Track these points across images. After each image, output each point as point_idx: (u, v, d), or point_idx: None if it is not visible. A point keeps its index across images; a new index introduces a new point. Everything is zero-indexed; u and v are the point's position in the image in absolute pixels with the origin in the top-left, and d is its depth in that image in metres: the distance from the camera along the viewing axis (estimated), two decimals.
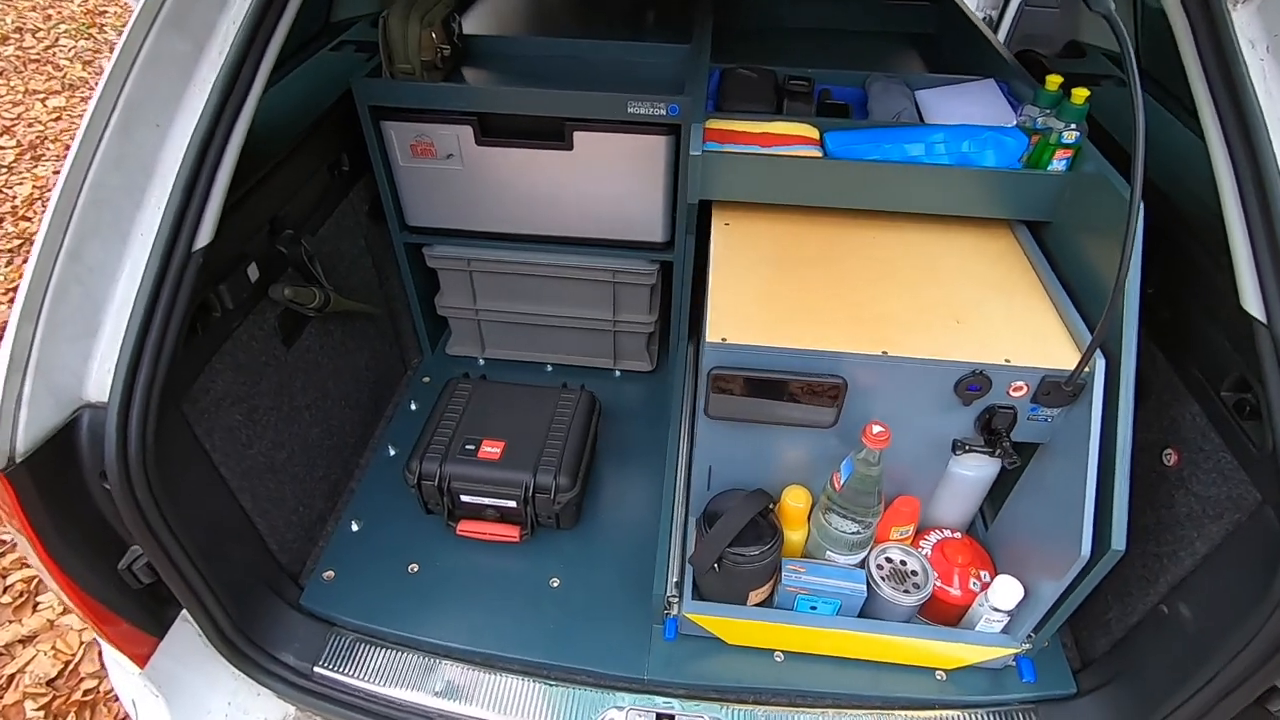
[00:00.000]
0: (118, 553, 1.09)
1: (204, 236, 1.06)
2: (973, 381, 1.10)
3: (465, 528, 1.48)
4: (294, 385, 1.43)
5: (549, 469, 1.44)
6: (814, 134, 1.39)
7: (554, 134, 1.49)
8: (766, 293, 1.22)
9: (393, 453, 1.71)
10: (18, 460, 0.95)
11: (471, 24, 1.85)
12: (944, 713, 1.29)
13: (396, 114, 1.49)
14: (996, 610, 1.23)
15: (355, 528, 1.54)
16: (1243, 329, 0.99)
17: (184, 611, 1.21)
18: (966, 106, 1.51)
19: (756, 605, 1.30)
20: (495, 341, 1.94)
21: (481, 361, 1.97)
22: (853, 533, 1.24)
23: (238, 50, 1.07)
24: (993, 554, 1.37)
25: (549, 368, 1.96)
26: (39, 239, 0.95)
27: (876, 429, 1.12)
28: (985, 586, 1.31)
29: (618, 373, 1.95)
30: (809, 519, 1.30)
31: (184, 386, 1.14)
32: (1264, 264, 0.96)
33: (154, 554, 1.07)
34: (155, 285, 1.01)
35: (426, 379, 1.91)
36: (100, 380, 1.02)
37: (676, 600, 1.32)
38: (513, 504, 1.45)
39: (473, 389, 1.60)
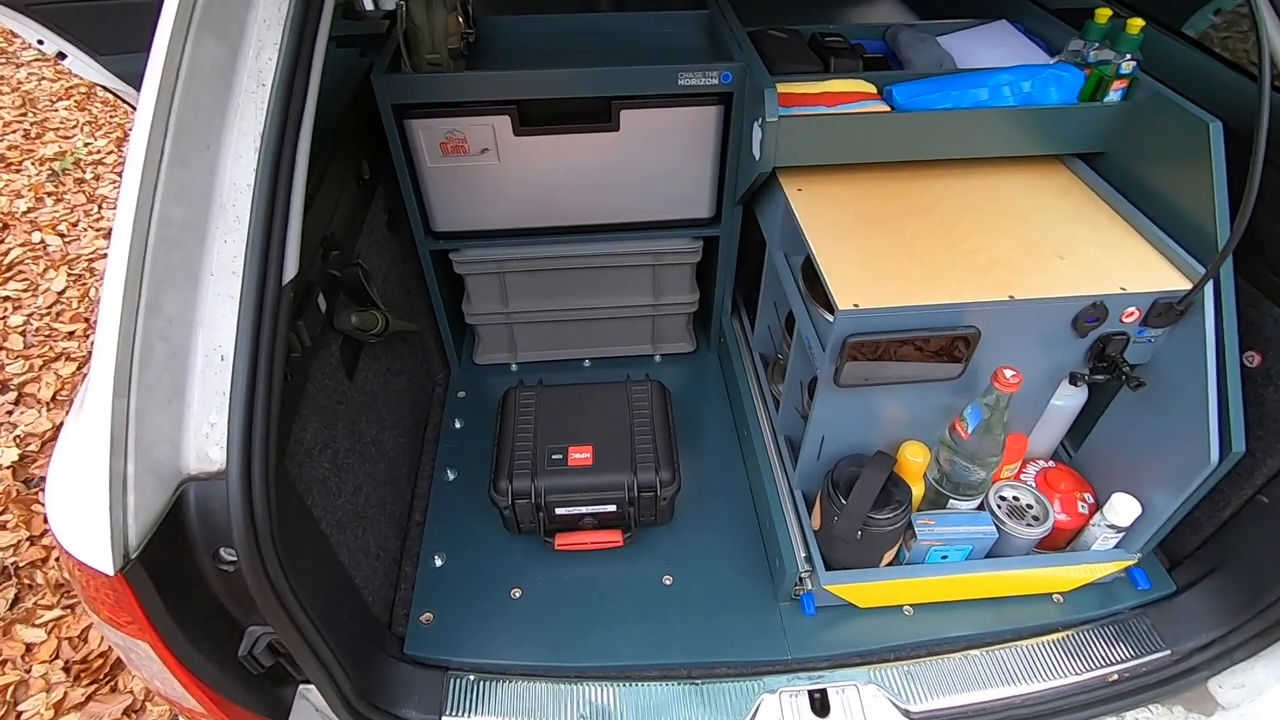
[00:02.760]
0: (234, 638, 0.96)
1: (290, 268, 0.93)
2: (1091, 314, 1.13)
3: (564, 541, 1.40)
4: (361, 420, 1.29)
5: (648, 466, 1.38)
6: (871, 89, 1.38)
7: (599, 115, 1.40)
8: (873, 252, 1.20)
9: (451, 477, 1.59)
10: (133, 555, 0.81)
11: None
12: (1067, 632, 1.34)
13: (423, 110, 1.35)
14: (1114, 528, 1.28)
15: (439, 563, 1.43)
16: None
17: (300, 687, 1.08)
18: (995, 49, 1.54)
19: (888, 565, 1.31)
20: (528, 343, 1.84)
21: (514, 366, 1.86)
22: (979, 480, 1.25)
23: (290, 50, 0.94)
24: (1086, 477, 1.43)
25: (586, 363, 1.88)
26: (111, 294, 0.80)
27: (1009, 373, 1.13)
28: (1091, 508, 1.37)
29: (658, 357, 1.90)
30: (926, 472, 1.31)
31: (283, 441, 1.00)
32: None
33: (285, 632, 0.94)
34: (254, 330, 0.87)
35: (462, 393, 1.79)
36: (200, 448, 0.88)
37: (809, 574, 1.30)
38: (613, 508, 1.38)
39: (536, 396, 1.51)
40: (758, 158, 1.32)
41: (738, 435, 1.66)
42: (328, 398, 1.15)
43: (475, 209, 1.52)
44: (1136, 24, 1.24)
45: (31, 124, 4.18)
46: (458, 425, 1.70)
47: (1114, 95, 1.30)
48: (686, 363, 1.89)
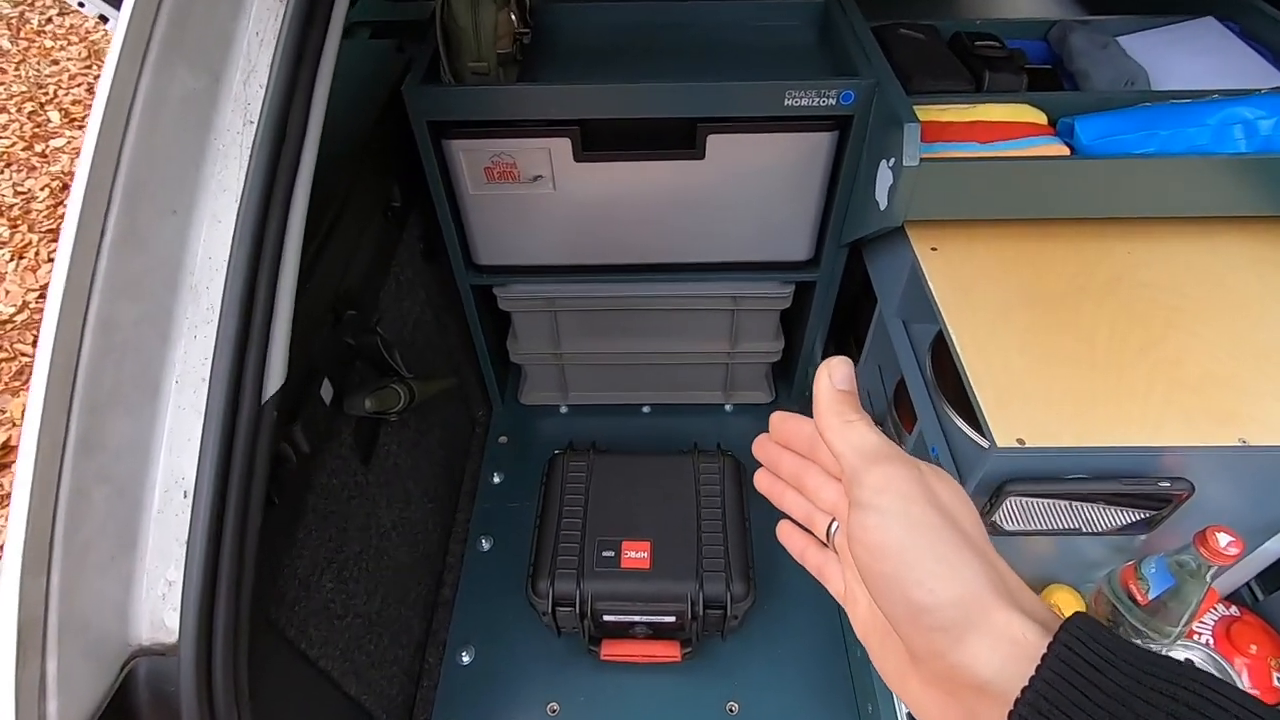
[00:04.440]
0: None
1: (275, 377, 0.71)
2: None
3: (611, 650, 1.18)
4: (379, 507, 1.08)
5: (717, 575, 1.14)
6: (1040, 118, 1.05)
7: (680, 139, 1.12)
8: (1036, 351, 0.90)
9: (486, 546, 1.38)
10: None
11: None
12: None
13: (466, 129, 1.10)
14: None
15: (466, 659, 1.23)
16: None
17: None
18: (1200, 59, 1.17)
19: None
20: (580, 384, 1.60)
21: (564, 409, 1.63)
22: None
23: (285, 74, 0.71)
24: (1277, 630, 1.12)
25: (646, 408, 1.63)
26: (28, 437, 0.59)
27: (1224, 540, 0.83)
28: None
29: (729, 407, 1.63)
30: None
31: (268, 583, 0.80)
32: None
33: None
34: (221, 463, 0.66)
35: (503, 439, 1.57)
36: (154, 613, 0.68)
37: None
38: (671, 619, 1.15)
39: (589, 467, 1.28)
40: (883, 206, 1.02)
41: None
42: (334, 502, 0.94)
43: (524, 242, 1.27)
44: None
45: (95, 78, 4.11)
46: (496, 480, 1.49)
47: None
48: (762, 415, 1.60)
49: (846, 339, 1.53)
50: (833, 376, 0.40)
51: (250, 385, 0.68)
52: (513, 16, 1.04)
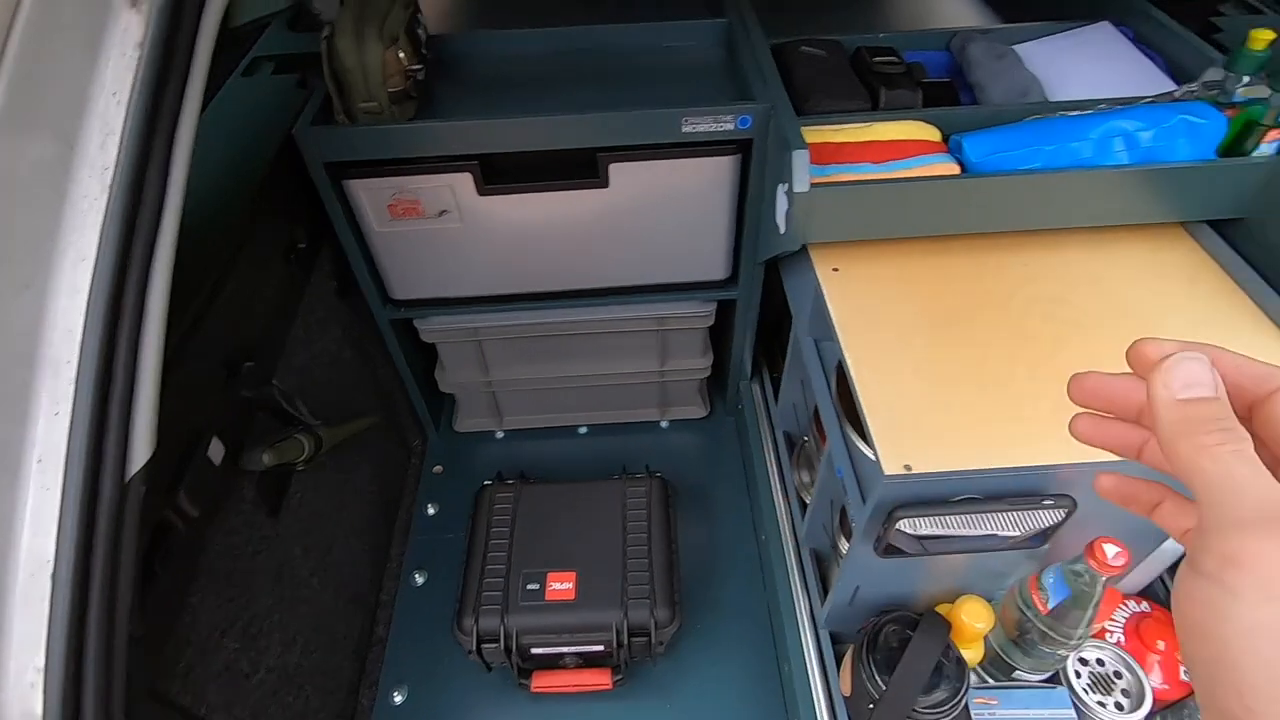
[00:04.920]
0: None
1: (140, 451, 0.69)
2: None
3: (542, 682, 1.18)
4: (293, 557, 1.07)
5: (641, 602, 1.14)
6: (934, 135, 1.06)
7: (583, 169, 1.11)
8: (931, 374, 0.91)
9: (420, 581, 1.37)
10: None
11: (430, 18, 1.41)
12: None
13: (364, 168, 1.09)
14: None
15: (399, 699, 1.22)
16: None
17: None
18: (1095, 66, 1.19)
19: None
20: (515, 409, 1.59)
21: (500, 434, 1.62)
22: (1058, 654, 0.99)
23: (137, 137, 0.69)
24: None
25: (583, 429, 1.63)
26: None
27: (1112, 551, 0.85)
28: None
29: (665, 423, 1.64)
30: (988, 634, 1.04)
31: (153, 655, 0.78)
32: None
33: None
34: (82, 546, 0.64)
35: (438, 468, 1.56)
36: (24, 700, 0.66)
37: None
38: (599, 648, 1.15)
39: (515, 499, 1.27)
40: (782, 230, 1.03)
41: (755, 534, 1.41)
42: (236, 560, 0.93)
43: (439, 276, 1.26)
44: None
45: None
46: (431, 511, 1.48)
47: (1267, 148, 0.97)
48: (698, 430, 1.63)
49: (775, 352, 1.54)
50: (1170, 385, 0.29)
51: (111, 462, 0.66)
52: (401, 55, 1.02)
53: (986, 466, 0.82)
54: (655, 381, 1.52)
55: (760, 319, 1.41)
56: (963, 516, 0.84)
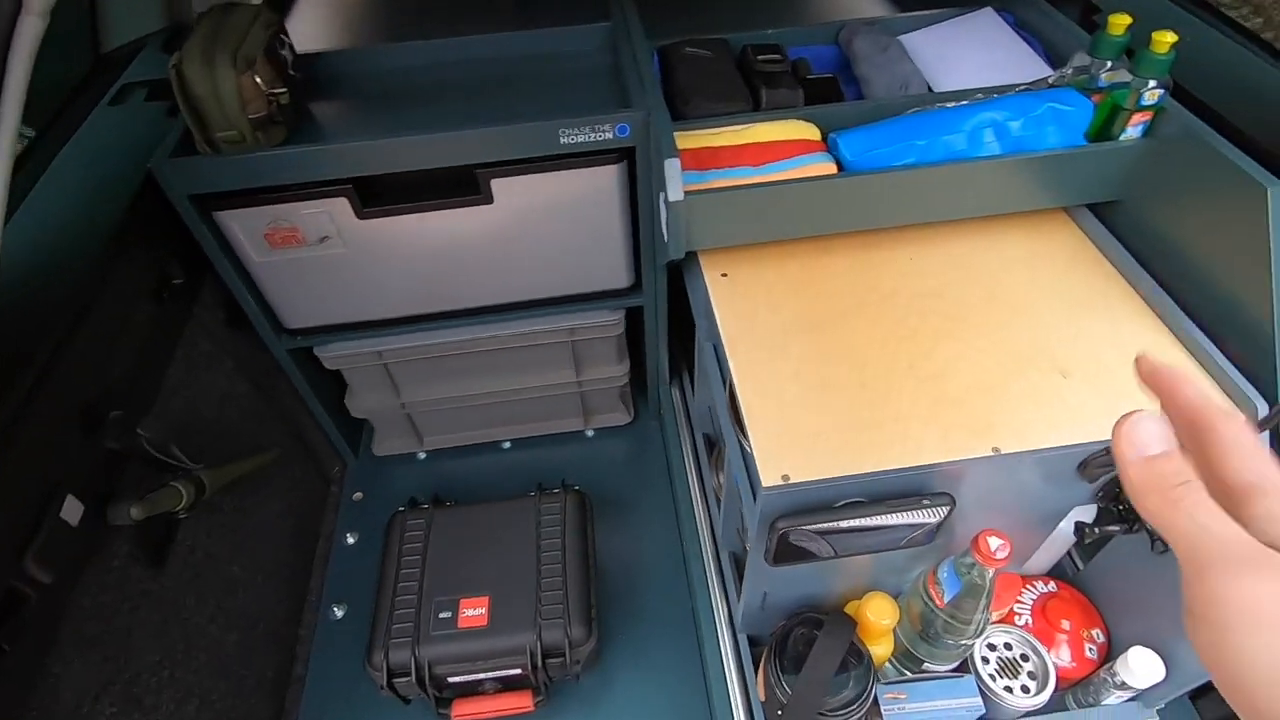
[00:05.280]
0: None
1: None
2: (1104, 459, 0.85)
3: (463, 710, 1.16)
4: (184, 606, 1.03)
5: (555, 621, 1.12)
6: (814, 134, 1.05)
7: (464, 186, 1.09)
8: (812, 380, 0.90)
9: (339, 614, 1.34)
10: None
11: (303, 35, 1.36)
12: None
13: (234, 199, 1.04)
14: (1126, 688, 1.03)
15: None
16: None
17: None
18: (976, 54, 1.20)
19: None
20: (434, 428, 1.56)
21: (422, 455, 1.59)
22: (961, 644, 0.99)
23: None
24: (1094, 600, 1.17)
25: (506, 444, 1.60)
26: None
27: (994, 543, 0.86)
28: (1101, 649, 1.11)
29: (590, 432, 1.62)
30: (895, 628, 1.05)
31: None
32: None
33: None
34: None
35: (358, 495, 1.53)
36: None
37: None
38: (516, 671, 1.14)
39: (427, 524, 1.24)
40: (666, 239, 1.01)
41: (680, 540, 1.40)
42: (109, 620, 0.89)
43: (332, 302, 1.22)
44: (1165, 40, 0.91)
45: None
46: (350, 541, 1.44)
47: (1133, 131, 0.98)
48: (624, 436, 1.61)
49: (692, 356, 1.53)
50: (1133, 444, 0.31)
51: None
52: (258, 80, 0.98)
53: (866, 470, 0.81)
54: (574, 392, 1.50)
55: (678, 322, 1.40)
56: (846, 522, 0.84)
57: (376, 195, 1.09)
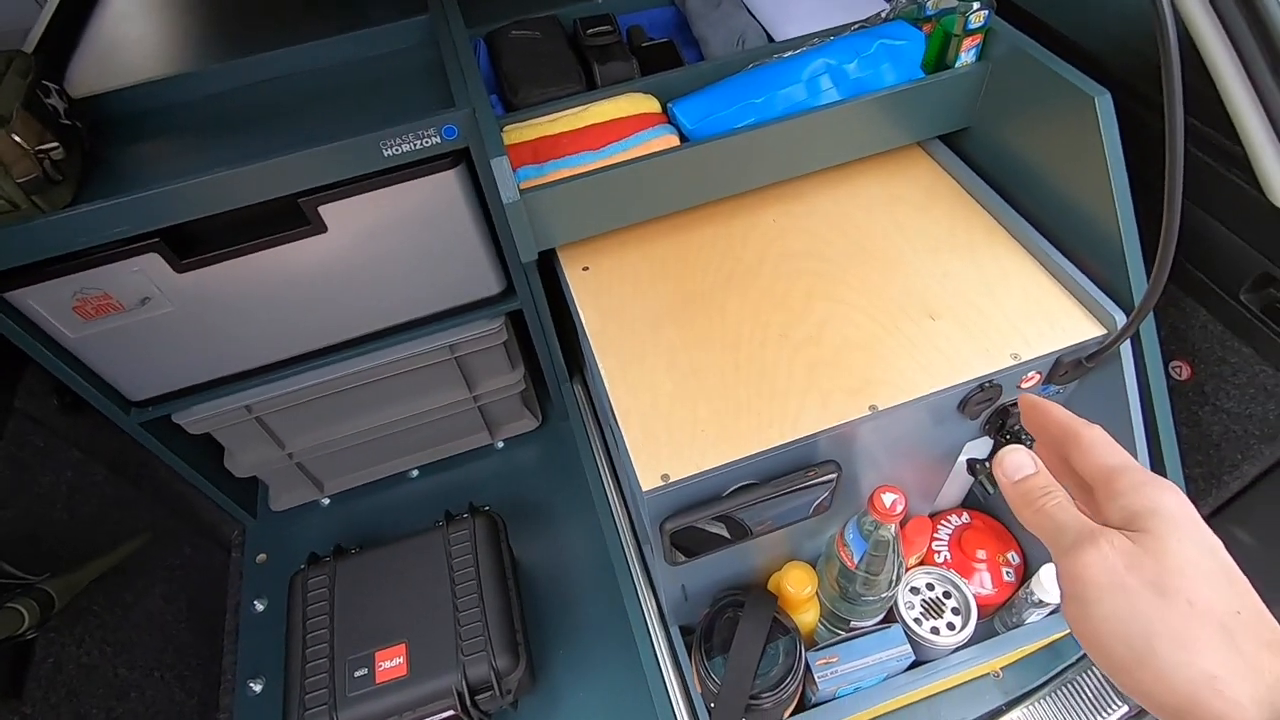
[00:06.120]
0: None
1: None
2: (981, 396, 0.84)
3: None
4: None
5: (478, 655, 1.07)
6: (654, 106, 1.00)
7: (290, 218, 0.99)
8: (684, 368, 0.87)
9: (258, 689, 1.25)
10: None
11: (85, 76, 1.22)
12: (1014, 712, 1.14)
13: (23, 276, 0.93)
14: (1044, 604, 1.05)
15: None
16: (1264, 222, 0.78)
17: None
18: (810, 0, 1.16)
19: (793, 714, 1.06)
20: (332, 471, 1.47)
21: (325, 501, 1.50)
22: (880, 598, 0.99)
23: None
24: (1006, 523, 1.19)
25: (414, 473, 1.53)
26: None
27: (889, 499, 0.84)
28: (1018, 570, 1.14)
29: (500, 444, 1.56)
30: (817, 592, 1.04)
31: None
32: None
33: None
34: None
35: (262, 556, 1.43)
36: None
37: None
38: (448, 713, 1.08)
39: (330, 579, 1.17)
40: (516, 242, 0.95)
41: (604, 537, 1.36)
42: None
43: (176, 365, 1.12)
44: None
45: None
46: (259, 608, 1.35)
47: (966, 56, 0.97)
48: (535, 442, 1.56)
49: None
50: (1006, 472, 0.39)
51: None
52: (16, 139, 0.86)
53: (748, 454, 0.78)
54: (472, 408, 1.43)
55: (567, 315, 1.33)
56: (736, 510, 0.81)
57: (196, 243, 0.99)
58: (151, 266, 0.97)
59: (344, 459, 1.43)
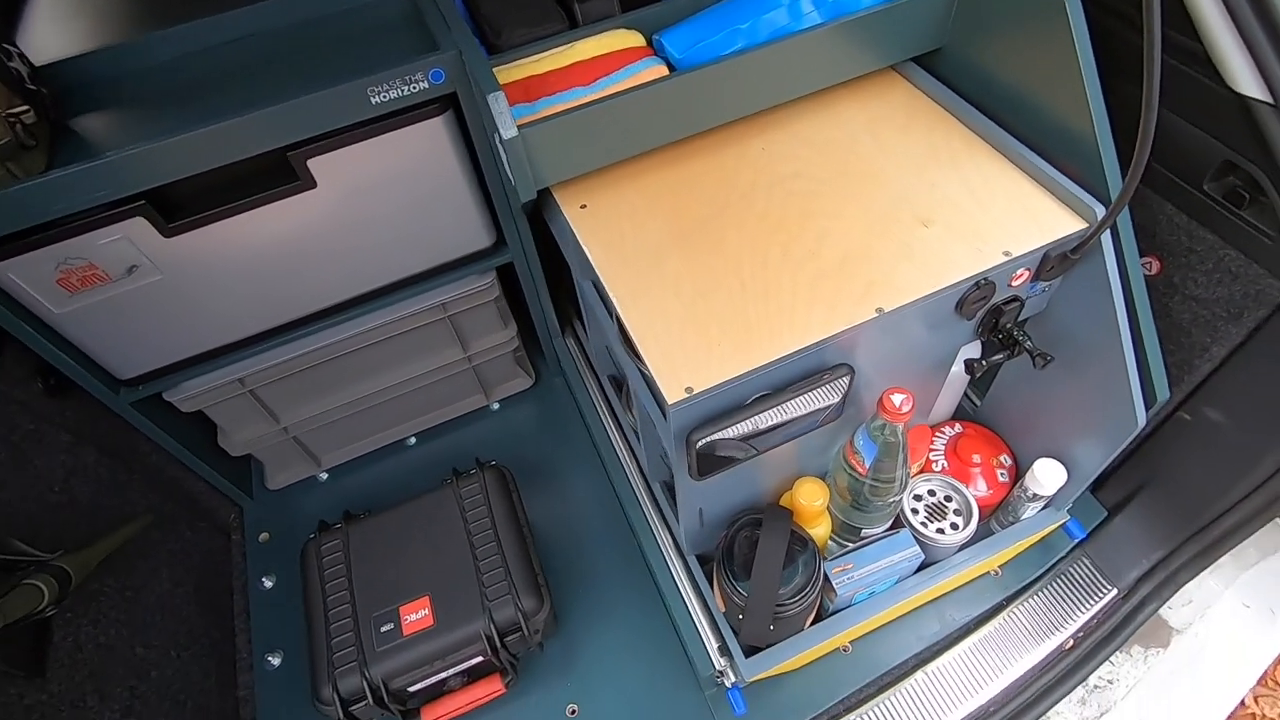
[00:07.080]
0: None
1: None
2: (976, 294, 0.88)
3: (434, 714, 1.11)
4: (86, 707, 0.92)
5: (504, 599, 1.09)
6: (638, 41, 1.01)
7: (278, 174, 0.98)
8: (694, 290, 0.89)
9: (276, 662, 1.25)
10: None
11: (42, 42, 1.16)
12: (1011, 608, 1.21)
13: (2, 248, 0.89)
14: (1039, 498, 1.11)
15: None
16: (1224, 112, 0.83)
17: None
18: None
19: (813, 622, 1.10)
20: (329, 444, 1.46)
21: (323, 476, 1.48)
22: (889, 503, 1.04)
23: None
24: (996, 430, 1.25)
25: (412, 440, 1.52)
26: None
27: (898, 399, 0.88)
28: (1011, 471, 1.20)
29: (495, 405, 1.56)
30: (828, 505, 1.08)
31: None
32: (1256, 38, 0.78)
33: None
34: None
35: (264, 536, 1.41)
36: None
37: (727, 666, 1.08)
38: (477, 660, 1.10)
39: (344, 543, 1.16)
40: (513, 182, 0.95)
41: (611, 488, 1.38)
42: None
43: (166, 338, 1.09)
44: None
45: None
46: (268, 585, 1.34)
47: None
48: (531, 400, 1.56)
49: (577, 301, 1.49)
50: None
51: None
52: None
53: (763, 363, 0.81)
54: (467, 369, 1.43)
55: (555, 270, 1.34)
56: (757, 417, 0.84)
57: (181, 207, 0.96)
58: (137, 232, 0.94)
59: (340, 430, 1.42)
